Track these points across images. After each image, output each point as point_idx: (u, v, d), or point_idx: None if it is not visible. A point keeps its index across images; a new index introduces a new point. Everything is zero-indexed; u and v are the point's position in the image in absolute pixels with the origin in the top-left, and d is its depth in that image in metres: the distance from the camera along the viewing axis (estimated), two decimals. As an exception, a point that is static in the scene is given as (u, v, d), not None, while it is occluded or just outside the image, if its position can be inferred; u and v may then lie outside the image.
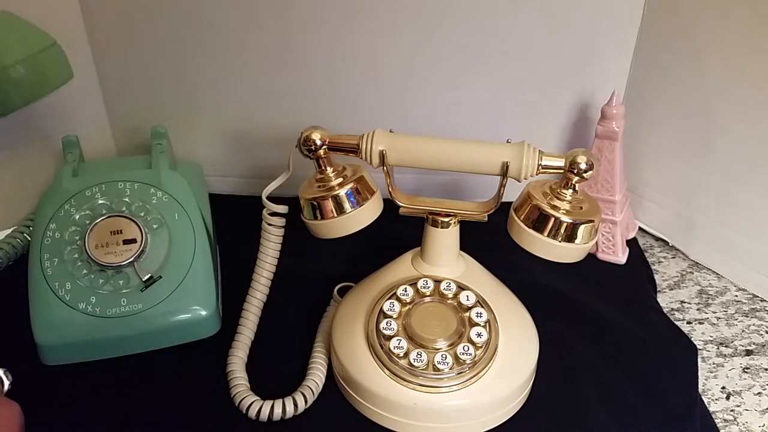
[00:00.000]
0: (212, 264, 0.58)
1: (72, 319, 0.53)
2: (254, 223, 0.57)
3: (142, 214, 0.57)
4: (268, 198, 0.56)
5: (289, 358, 0.57)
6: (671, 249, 0.75)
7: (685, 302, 0.68)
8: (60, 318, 0.53)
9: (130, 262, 0.54)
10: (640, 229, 0.76)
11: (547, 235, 0.51)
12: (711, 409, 0.55)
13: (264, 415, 0.51)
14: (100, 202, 0.57)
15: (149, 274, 0.54)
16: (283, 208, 0.56)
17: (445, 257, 0.55)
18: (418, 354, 0.50)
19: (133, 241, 0.55)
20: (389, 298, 0.53)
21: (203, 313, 0.55)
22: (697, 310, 0.67)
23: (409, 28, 0.68)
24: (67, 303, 0.53)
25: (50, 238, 0.55)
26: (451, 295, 0.53)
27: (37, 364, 0.54)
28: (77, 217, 0.56)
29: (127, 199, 0.57)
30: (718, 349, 0.62)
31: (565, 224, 0.51)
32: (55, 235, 0.55)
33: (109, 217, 0.55)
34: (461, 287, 0.54)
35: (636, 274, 0.69)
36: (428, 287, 0.54)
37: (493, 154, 0.50)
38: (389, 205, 0.54)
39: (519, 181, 0.51)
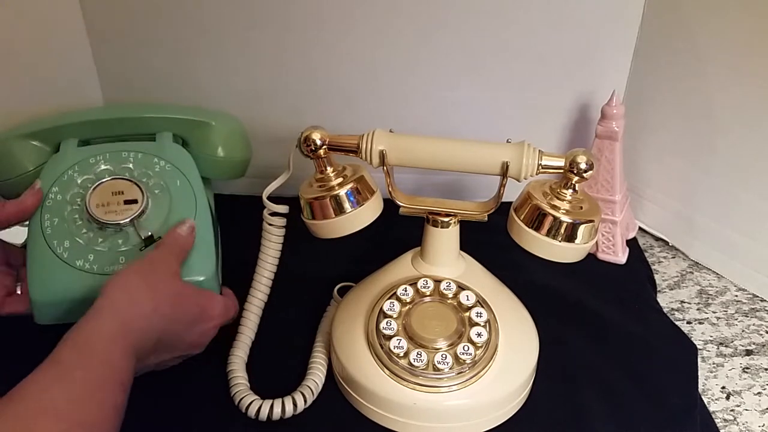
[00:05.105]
0: (212, 234, 0.57)
1: (69, 275, 0.52)
2: (255, 224, 0.57)
3: (144, 179, 0.57)
4: (268, 198, 0.56)
5: (289, 357, 0.57)
6: (671, 249, 0.75)
7: (685, 302, 0.68)
8: (56, 275, 0.52)
9: (130, 220, 0.54)
10: (640, 229, 0.76)
11: (547, 235, 0.51)
12: (711, 409, 0.55)
13: (264, 415, 0.51)
14: (103, 167, 0.57)
15: (149, 233, 0.54)
16: (283, 208, 0.56)
17: (445, 257, 0.55)
18: (418, 354, 0.50)
19: (134, 201, 0.55)
20: (389, 298, 0.53)
21: (200, 278, 0.54)
22: (697, 310, 0.67)
23: (409, 28, 0.68)
24: (65, 260, 0.53)
25: (52, 200, 0.55)
26: (451, 295, 0.53)
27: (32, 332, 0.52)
28: (79, 180, 0.56)
29: (130, 165, 0.57)
30: (718, 349, 0.62)
31: (565, 224, 0.51)
32: (57, 197, 0.55)
33: (111, 179, 0.56)
34: (461, 287, 0.54)
35: (636, 274, 0.69)
36: (428, 287, 0.54)
37: (493, 154, 0.50)
38: (389, 205, 0.54)
39: (519, 181, 0.51)
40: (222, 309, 0.51)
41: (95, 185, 0.55)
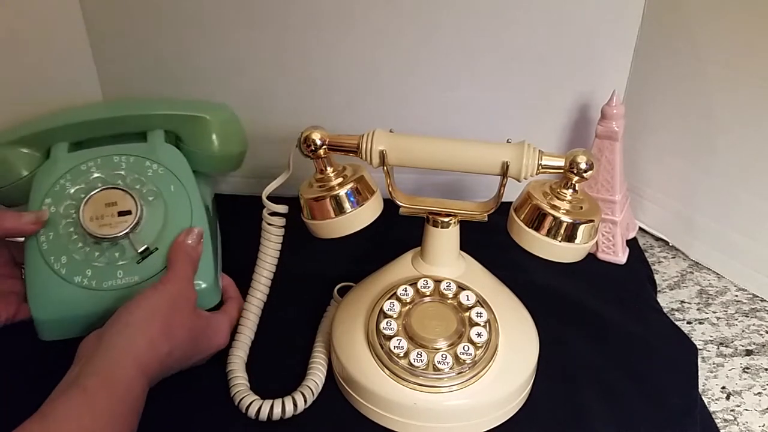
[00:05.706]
0: (210, 237, 0.57)
1: (68, 293, 0.52)
2: (255, 223, 0.57)
3: (137, 186, 0.56)
4: (268, 198, 0.56)
5: (289, 357, 0.57)
6: (671, 249, 0.75)
7: (685, 302, 0.68)
8: (56, 292, 0.52)
9: (125, 233, 0.53)
10: (640, 229, 0.76)
11: (547, 235, 0.51)
12: (711, 409, 0.55)
13: (264, 415, 0.51)
14: (95, 175, 0.56)
15: (145, 246, 0.54)
16: (283, 208, 0.56)
17: (445, 257, 0.55)
18: (418, 354, 0.50)
19: (128, 212, 0.54)
20: (389, 298, 0.53)
21: (202, 285, 0.54)
22: (697, 310, 0.67)
23: (409, 28, 0.68)
24: (63, 277, 0.53)
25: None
26: (451, 295, 0.53)
27: (36, 341, 0.53)
28: (72, 191, 0.55)
29: (122, 172, 0.57)
30: (718, 349, 0.62)
31: (565, 224, 0.51)
32: (51, 209, 0.55)
33: (103, 189, 0.55)
34: (461, 287, 0.54)
35: (636, 274, 0.69)
36: (428, 287, 0.54)
37: (493, 154, 0.50)
38: (389, 205, 0.54)
39: (519, 181, 0.51)
40: (224, 339, 0.54)
41: (88, 197, 0.54)
